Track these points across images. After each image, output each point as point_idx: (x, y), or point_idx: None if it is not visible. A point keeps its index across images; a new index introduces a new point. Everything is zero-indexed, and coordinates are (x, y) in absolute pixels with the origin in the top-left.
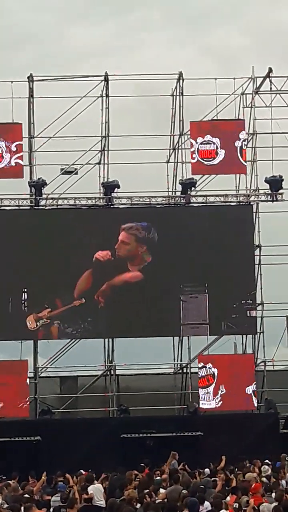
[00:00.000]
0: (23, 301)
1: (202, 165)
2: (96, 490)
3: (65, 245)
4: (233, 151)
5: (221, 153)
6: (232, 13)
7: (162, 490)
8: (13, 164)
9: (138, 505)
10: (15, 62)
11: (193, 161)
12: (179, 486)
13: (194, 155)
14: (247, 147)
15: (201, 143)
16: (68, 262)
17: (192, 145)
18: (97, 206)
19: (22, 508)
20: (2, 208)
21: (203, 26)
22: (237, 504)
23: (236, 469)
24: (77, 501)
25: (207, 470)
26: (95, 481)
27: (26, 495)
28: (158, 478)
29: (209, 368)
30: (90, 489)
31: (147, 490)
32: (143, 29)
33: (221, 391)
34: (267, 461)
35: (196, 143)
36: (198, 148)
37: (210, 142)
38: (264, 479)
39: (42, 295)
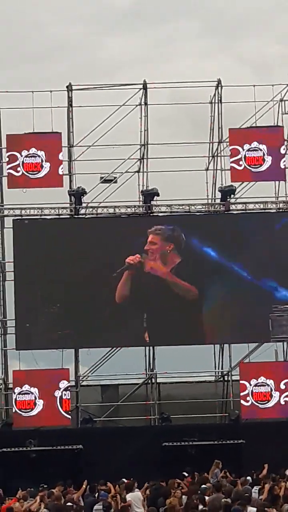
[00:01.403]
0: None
1: (246, 172)
2: (135, 497)
3: (104, 254)
4: (279, 157)
5: (268, 160)
6: (267, 21)
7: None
8: (60, 173)
9: None
10: (54, 72)
11: (239, 168)
12: (221, 494)
13: (241, 162)
14: (286, 154)
15: (248, 150)
16: (107, 269)
17: (237, 152)
18: (137, 215)
19: None
20: (42, 217)
21: (239, 35)
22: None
23: (279, 477)
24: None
25: (249, 478)
26: (136, 489)
27: (69, 503)
28: (204, 486)
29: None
30: (129, 496)
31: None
32: (179, 39)
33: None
34: None
35: (243, 149)
36: (245, 155)
37: (257, 149)
38: None
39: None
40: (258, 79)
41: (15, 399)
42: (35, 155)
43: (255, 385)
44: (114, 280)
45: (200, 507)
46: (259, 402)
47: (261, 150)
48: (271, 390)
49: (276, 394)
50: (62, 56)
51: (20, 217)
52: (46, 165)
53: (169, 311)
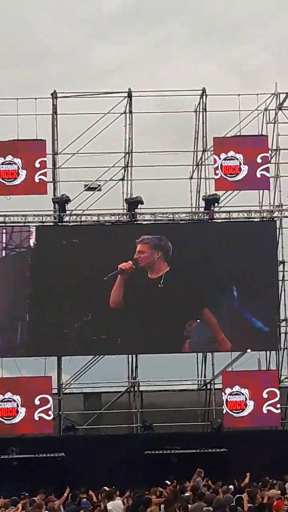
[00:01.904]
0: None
1: (226, 181)
2: (116, 506)
3: (89, 261)
4: (256, 167)
5: (244, 169)
6: (255, 30)
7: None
8: (36, 180)
9: None
10: (39, 79)
11: (216, 177)
12: (203, 503)
13: (217, 171)
14: (270, 163)
15: (224, 159)
16: (94, 276)
17: (215, 161)
18: (121, 222)
19: None
20: (26, 224)
21: (226, 43)
22: None
23: (260, 485)
24: None
25: (231, 486)
26: (116, 497)
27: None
28: (187, 494)
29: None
30: (109, 505)
31: (173, 507)
32: (166, 46)
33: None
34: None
35: (220, 159)
36: (221, 164)
37: (233, 158)
38: None
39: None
40: (245, 87)
41: None
42: (11, 162)
43: (230, 394)
44: (101, 287)
45: None
46: (233, 411)
47: (237, 159)
48: (246, 399)
49: (251, 403)
50: (48, 62)
51: (4, 224)
52: (23, 173)
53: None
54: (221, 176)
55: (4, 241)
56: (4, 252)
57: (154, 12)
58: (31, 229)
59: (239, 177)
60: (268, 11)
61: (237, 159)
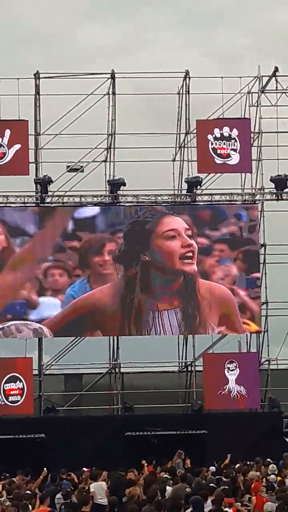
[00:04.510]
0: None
1: (211, 163)
2: (99, 487)
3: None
4: (246, 150)
5: (236, 154)
6: (236, 14)
7: (168, 488)
8: (18, 161)
9: None
10: (22, 60)
11: (206, 158)
12: (185, 484)
13: (208, 153)
14: (253, 146)
15: (217, 139)
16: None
17: (205, 142)
18: (103, 204)
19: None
20: (8, 205)
21: (208, 27)
22: (239, 504)
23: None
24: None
25: (212, 468)
26: (99, 479)
27: (28, 492)
28: (165, 476)
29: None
30: (92, 486)
31: (152, 488)
32: (149, 30)
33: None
34: (269, 459)
35: (214, 139)
36: (214, 147)
37: (228, 138)
38: (272, 476)
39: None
40: (227, 71)
41: None
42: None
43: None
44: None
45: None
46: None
47: (232, 139)
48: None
49: (232, 385)
50: (31, 44)
51: None
52: (10, 152)
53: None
54: (211, 157)
55: None
56: None
57: None
58: None
59: (232, 160)
60: None
61: (231, 139)
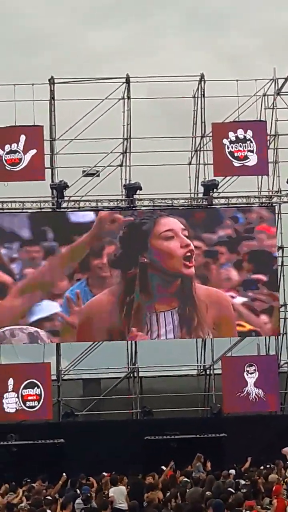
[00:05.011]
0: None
1: (226, 166)
2: (119, 492)
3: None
4: (262, 152)
5: (253, 155)
6: (246, 15)
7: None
8: (34, 166)
9: None
10: (36, 65)
11: (223, 161)
12: (199, 488)
13: (224, 156)
14: (269, 149)
15: (233, 142)
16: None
17: (221, 145)
18: (119, 208)
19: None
20: (24, 210)
21: (219, 29)
22: (259, 506)
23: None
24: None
25: (232, 471)
26: (119, 484)
27: (49, 497)
28: (185, 479)
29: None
30: (112, 491)
31: (172, 492)
32: (162, 33)
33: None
34: None
35: (230, 143)
36: (231, 150)
37: (244, 140)
38: None
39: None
40: (242, 74)
41: None
42: (14, 149)
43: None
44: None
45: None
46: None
47: (248, 141)
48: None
49: (251, 388)
50: (44, 48)
51: (1, 211)
52: (26, 158)
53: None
54: (228, 160)
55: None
56: None
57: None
58: None
59: (250, 162)
60: None
61: (248, 141)
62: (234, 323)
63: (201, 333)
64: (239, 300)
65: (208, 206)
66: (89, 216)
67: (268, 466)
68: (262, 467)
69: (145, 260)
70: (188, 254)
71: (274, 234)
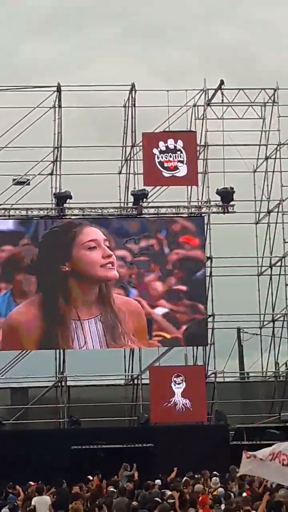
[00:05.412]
0: None
1: (157, 176)
2: (42, 502)
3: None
4: (192, 163)
5: (183, 165)
6: (180, 29)
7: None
8: None
9: None
10: None
11: (152, 171)
12: (125, 498)
13: (154, 166)
14: (199, 159)
15: (163, 152)
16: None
17: (153, 155)
18: (49, 217)
19: None
20: None
21: (155, 43)
22: None
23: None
24: None
25: (158, 481)
26: (44, 493)
27: None
28: (111, 489)
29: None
30: (35, 500)
31: (97, 502)
32: (95, 46)
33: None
34: (215, 472)
35: (160, 153)
36: (160, 161)
37: (174, 150)
38: (220, 489)
39: None
40: (172, 85)
41: None
42: None
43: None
44: None
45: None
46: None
47: (178, 151)
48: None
49: (178, 398)
50: None
51: None
52: None
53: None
54: (157, 170)
55: None
56: None
57: (82, 13)
58: None
59: (179, 173)
60: (191, 13)
61: (177, 151)
62: (149, 334)
63: (124, 341)
64: (161, 310)
65: (138, 216)
66: (13, 224)
67: (196, 476)
68: (185, 478)
69: (66, 268)
70: (109, 265)
71: (198, 245)
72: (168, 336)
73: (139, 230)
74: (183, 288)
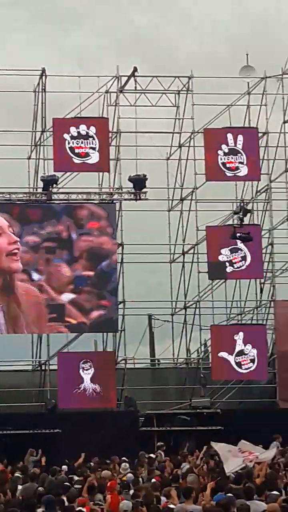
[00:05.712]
0: None
1: (68, 161)
2: None
3: None
4: (104, 149)
5: (95, 152)
6: (92, 15)
7: (19, 487)
8: None
9: None
10: None
11: (63, 157)
12: (34, 483)
13: (65, 151)
14: (111, 146)
15: (75, 138)
16: None
17: (63, 140)
18: None
19: None
20: None
21: (67, 29)
22: (92, 502)
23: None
24: None
25: (64, 467)
26: None
27: None
28: (17, 475)
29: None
30: None
31: (4, 488)
32: (5, 29)
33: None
34: (124, 458)
35: (72, 138)
36: (71, 146)
37: (86, 138)
38: (129, 474)
39: None
40: (85, 71)
41: None
42: None
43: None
44: None
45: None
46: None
47: (90, 138)
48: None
49: (87, 384)
50: None
51: None
52: None
53: None
54: (68, 156)
55: None
56: None
57: None
58: None
59: (91, 160)
60: None
61: (90, 137)
62: (56, 320)
63: (25, 329)
64: (68, 296)
65: (47, 202)
66: None
67: (106, 461)
68: (92, 463)
69: None
70: (15, 251)
71: (107, 232)
72: (74, 322)
73: (46, 216)
74: (91, 274)
